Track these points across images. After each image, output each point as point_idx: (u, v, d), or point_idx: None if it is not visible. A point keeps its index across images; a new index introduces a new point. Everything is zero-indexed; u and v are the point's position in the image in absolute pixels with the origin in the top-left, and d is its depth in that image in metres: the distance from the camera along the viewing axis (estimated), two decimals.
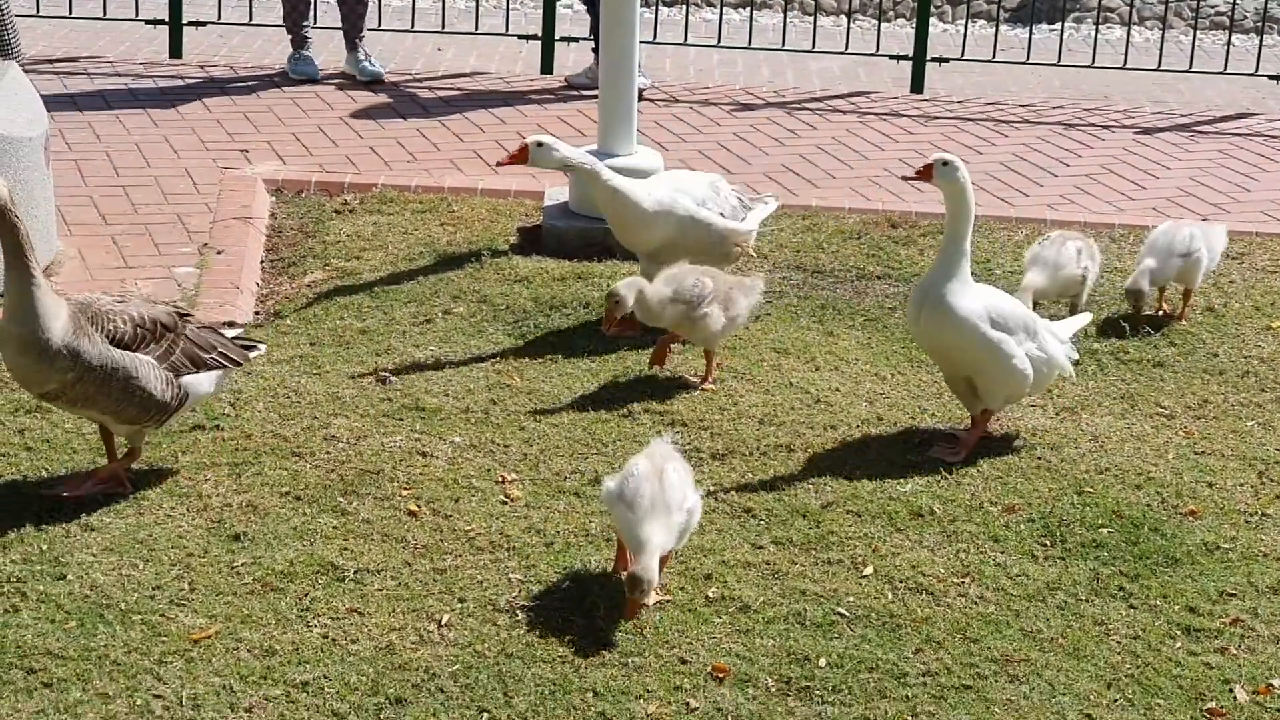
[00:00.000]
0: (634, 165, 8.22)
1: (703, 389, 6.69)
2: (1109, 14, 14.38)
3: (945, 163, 6.18)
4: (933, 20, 13.85)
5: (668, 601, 5.23)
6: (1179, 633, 5.29)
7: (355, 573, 5.38)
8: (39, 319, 5.45)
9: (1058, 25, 12.69)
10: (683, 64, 12.09)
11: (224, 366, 5.93)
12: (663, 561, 5.21)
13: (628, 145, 8.29)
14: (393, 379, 6.65)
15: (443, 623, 5.15)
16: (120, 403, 5.63)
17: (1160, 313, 7.60)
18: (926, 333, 6.28)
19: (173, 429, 6.17)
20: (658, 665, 4.99)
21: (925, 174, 6.21)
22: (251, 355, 6.09)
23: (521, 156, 6.99)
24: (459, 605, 5.25)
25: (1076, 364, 6.59)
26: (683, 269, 6.73)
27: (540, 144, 7.00)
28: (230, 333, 6.11)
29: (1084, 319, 6.85)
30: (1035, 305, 7.16)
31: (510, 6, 12.57)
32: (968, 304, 6.17)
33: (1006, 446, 6.39)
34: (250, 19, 12.03)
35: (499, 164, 7.22)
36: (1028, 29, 12.72)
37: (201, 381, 5.85)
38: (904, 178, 6.67)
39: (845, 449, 6.32)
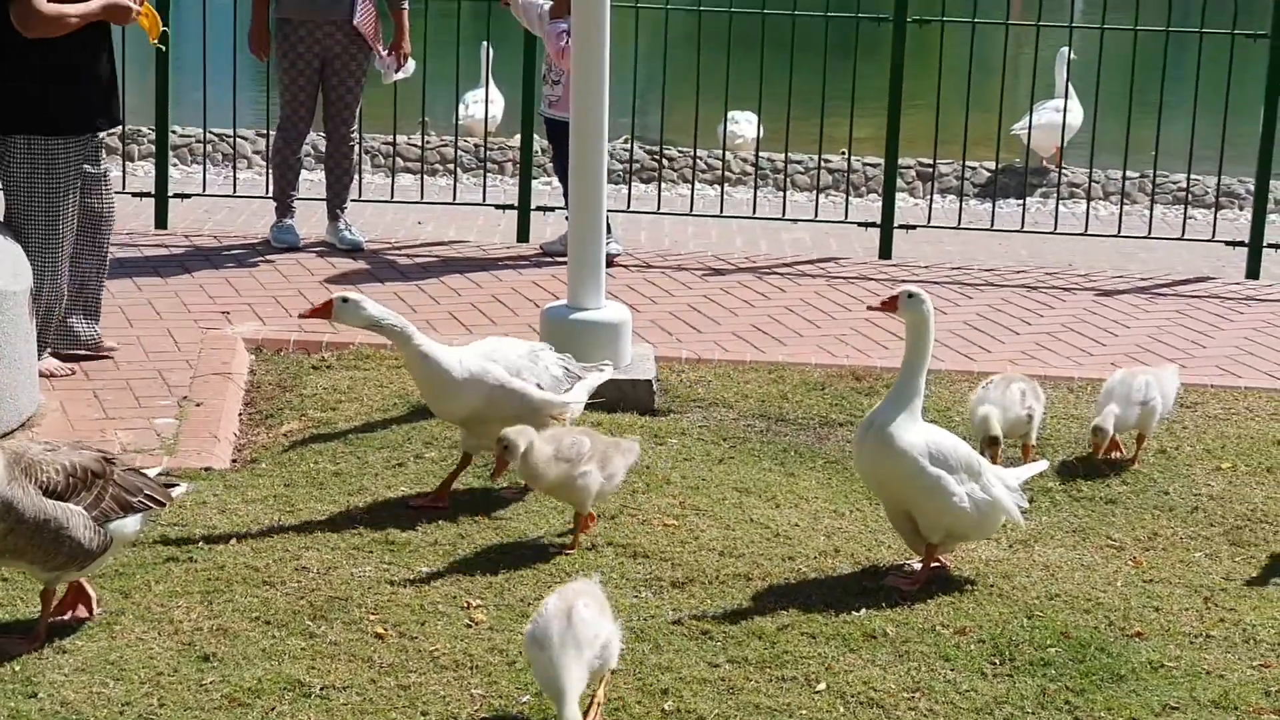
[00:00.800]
0: (602, 318, 8.50)
1: (566, 553, 6.59)
2: (1075, 188, 14.76)
3: (910, 295, 6.39)
4: (902, 195, 14.24)
5: None
6: None
7: (321, 689, 5.53)
8: None
9: (1023, 201, 13.05)
10: (657, 235, 12.42)
11: (150, 508, 5.94)
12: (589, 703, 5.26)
13: (596, 299, 8.55)
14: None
15: None
16: (48, 553, 5.62)
17: (1114, 455, 7.80)
18: (867, 462, 6.44)
19: (146, 560, 6.35)
20: None
21: (890, 305, 6.42)
22: (175, 494, 6.11)
23: (325, 311, 6.83)
24: (422, 718, 5.39)
25: (1025, 512, 6.69)
26: (557, 429, 6.73)
27: (346, 300, 6.82)
28: (152, 472, 6.11)
29: (1038, 466, 6.99)
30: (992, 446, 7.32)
31: (487, 181, 12.90)
32: (909, 438, 6.32)
33: (959, 577, 6.56)
34: (234, 190, 12.37)
35: (301, 315, 7.09)
36: (992, 203, 13.07)
37: (127, 524, 5.86)
38: (869, 307, 6.84)
39: (802, 579, 6.49)
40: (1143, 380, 7.79)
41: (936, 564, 6.53)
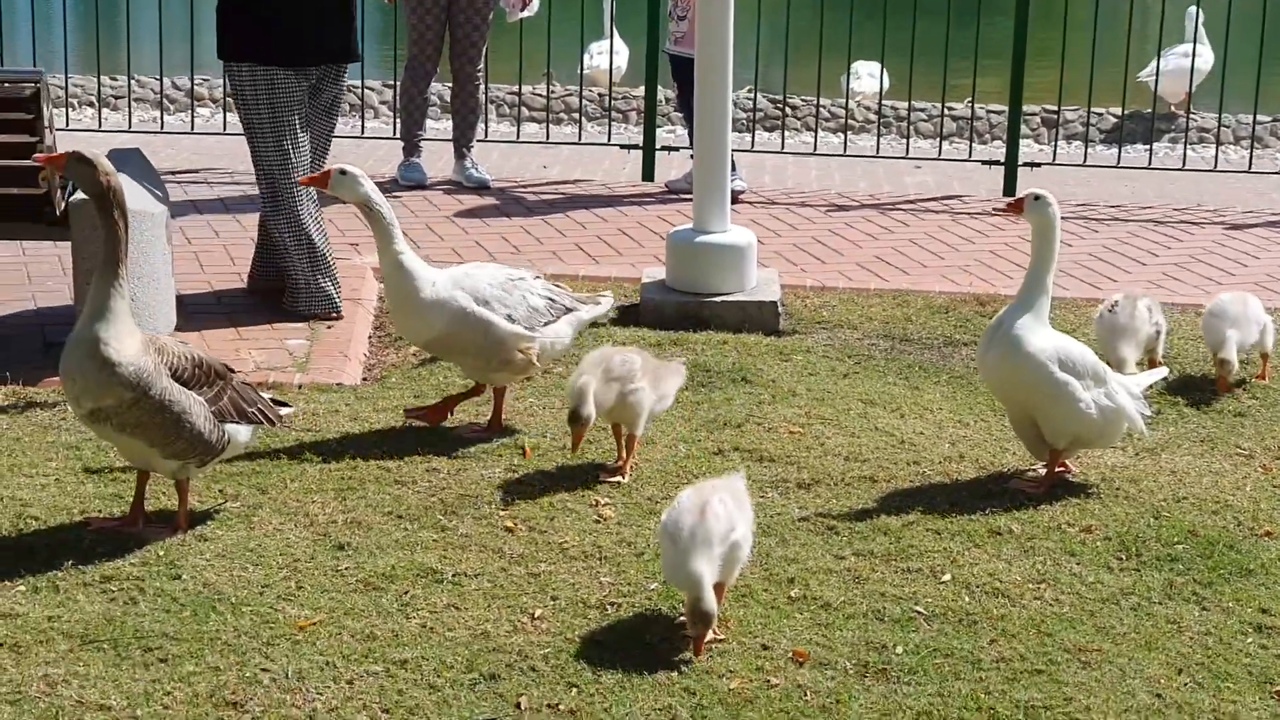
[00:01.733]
0: (728, 241, 8.56)
1: (615, 481, 6.41)
2: (1204, 133, 14.61)
3: (1038, 197, 6.38)
4: (1027, 141, 14.17)
5: (722, 640, 5.28)
6: (1250, 630, 5.43)
7: (453, 575, 5.64)
8: (112, 329, 5.58)
9: (1150, 145, 12.94)
10: (781, 178, 12.43)
11: (262, 421, 6.03)
12: (717, 590, 5.27)
13: (722, 222, 8.61)
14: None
15: (536, 616, 5.39)
16: (168, 435, 5.70)
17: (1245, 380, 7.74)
18: (993, 365, 6.41)
19: (281, 461, 6.49)
20: (740, 650, 5.20)
21: (1017, 207, 6.43)
22: (284, 414, 6.19)
23: (323, 180, 6.69)
24: (551, 603, 5.49)
25: (1149, 420, 6.67)
26: (605, 350, 6.53)
27: (345, 172, 6.65)
28: (266, 395, 6.20)
29: (1159, 373, 6.97)
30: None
31: (612, 128, 12.97)
32: (1038, 342, 6.32)
33: (1085, 482, 6.56)
34: (362, 133, 12.54)
35: (299, 182, 7.08)
36: (1118, 148, 12.98)
37: (241, 432, 5.96)
38: (994, 209, 6.84)
39: (927, 481, 6.53)
40: (1256, 301, 7.72)
41: (1061, 469, 6.53)
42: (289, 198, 8.40)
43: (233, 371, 6.02)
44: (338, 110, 8.74)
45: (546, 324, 6.86)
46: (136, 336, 5.68)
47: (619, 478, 6.44)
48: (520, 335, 6.76)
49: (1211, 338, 7.61)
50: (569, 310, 6.97)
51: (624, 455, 6.51)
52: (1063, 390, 6.32)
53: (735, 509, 5.35)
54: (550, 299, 6.91)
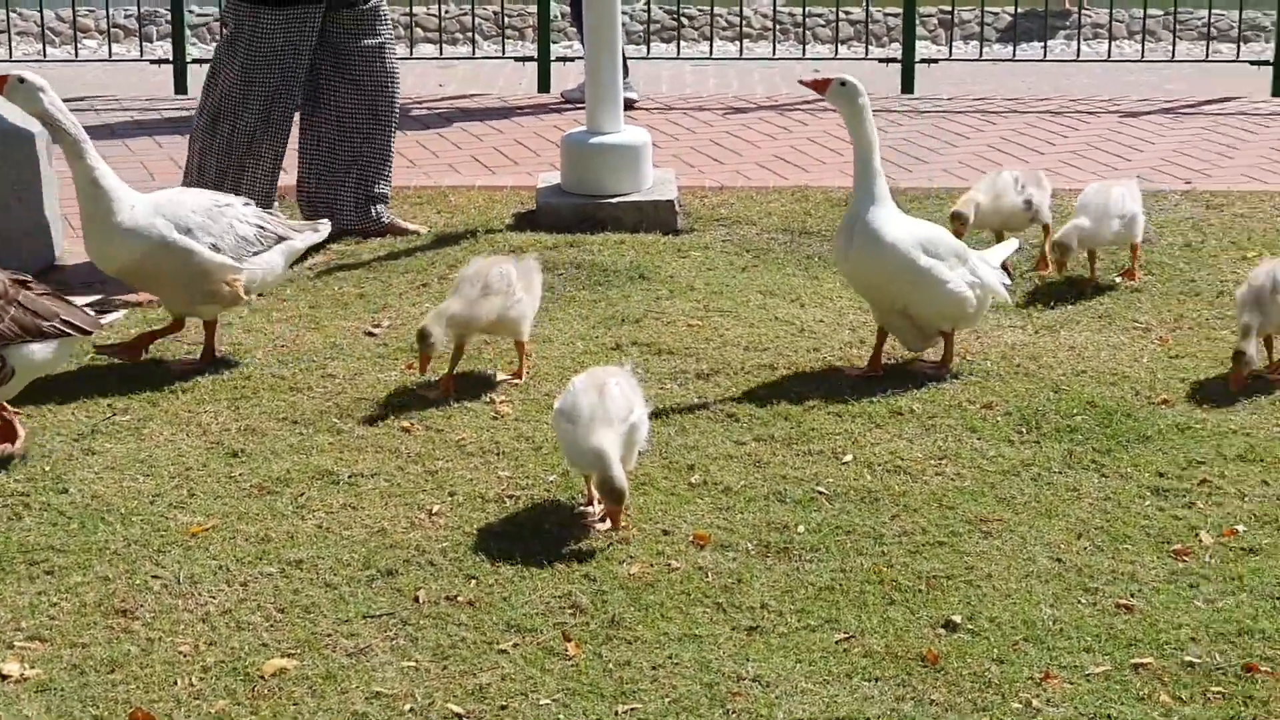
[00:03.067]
0: (622, 141, 8.47)
1: (512, 383, 6.32)
2: (1098, 29, 14.62)
3: (843, 82, 6.18)
4: (925, 43, 14.14)
5: (623, 527, 5.21)
6: (1148, 493, 5.44)
7: (349, 476, 5.57)
8: None
9: (1044, 42, 12.93)
10: (679, 85, 12.34)
11: (67, 333, 5.70)
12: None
13: (615, 123, 8.52)
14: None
15: (433, 512, 5.32)
16: None
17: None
18: (857, 264, 6.23)
19: (171, 373, 6.39)
20: (640, 536, 5.16)
21: (820, 86, 6.21)
22: (107, 319, 5.91)
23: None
24: (449, 498, 5.42)
25: (1009, 289, 6.60)
26: (478, 264, 6.32)
27: (23, 80, 6.18)
28: (82, 301, 5.90)
29: (1011, 245, 6.83)
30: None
31: (505, 36, 12.85)
32: (897, 232, 6.16)
33: (985, 360, 6.54)
34: None
35: None
36: (1013, 45, 12.97)
37: (37, 350, 5.64)
38: (800, 81, 6.61)
39: (827, 366, 6.49)
40: (1119, 193, 7.38)
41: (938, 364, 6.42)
42: (245, 136, 8.02)
43: (22, 285, 5.68)
44: (361, 55, 8.17)
45: (256, 254, 6.48)
46: None
47: (516, 380, 6.35)
48: (226, 266, 6.37)
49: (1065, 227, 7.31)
50: (281, 239, 6.59)
51: (521, 363, 6.39)
52: (931, 275, 6.19)
53: (631, 392, 5.30)
54: (261, 227, 6.52)
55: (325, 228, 6.91)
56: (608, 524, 5.20)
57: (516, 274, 6.28)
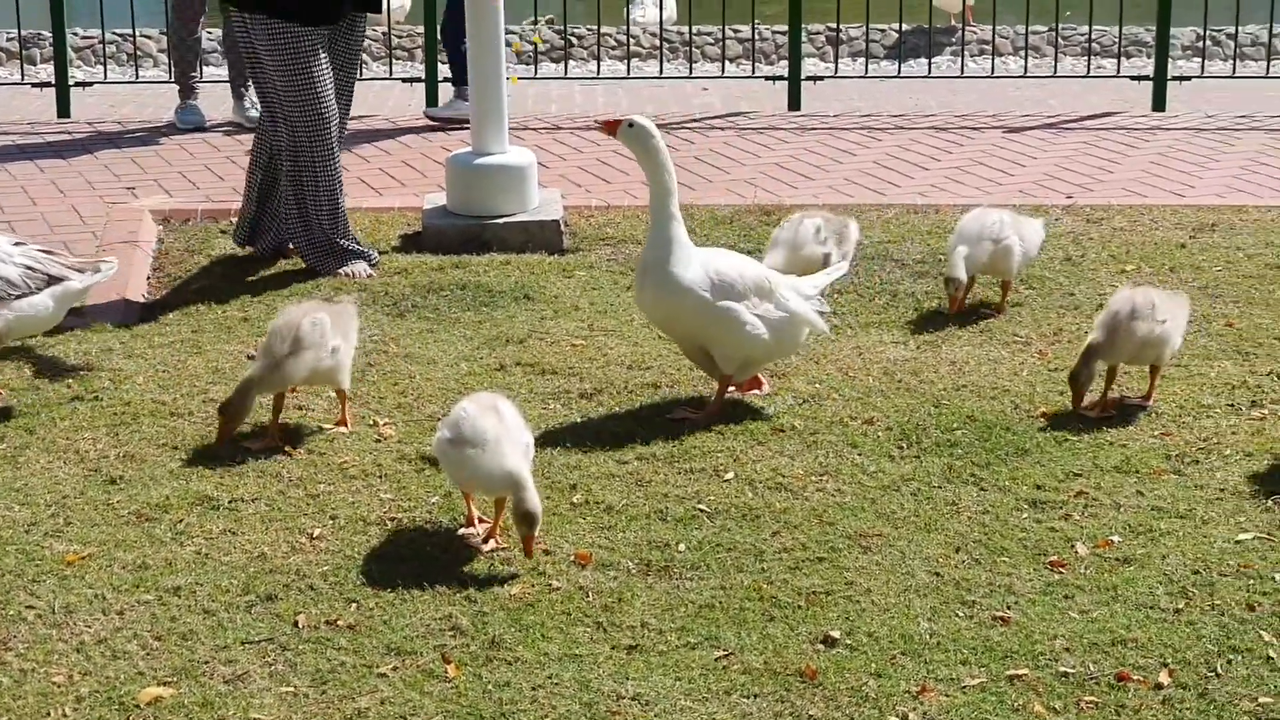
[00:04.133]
0: (507, 162, 8.48)
1: (346, 430, 6.09)
2: (984, 45, 14.75)
3: (631, 124, 6.06)
4: (813, 60, 14.22)
5: (504, 549, 5.20)
6: (1026, 506, 5.49)
7: (230, 502, 5.54)
8: None
9: (929, 58, 13.03)
10: (568, 105, 12.34)
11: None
12: (498, 504, 5.22)
13: (500, 144, 8.53)
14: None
15: (314, 535, 5.30)
16: None
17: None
18: (650, 306, 6.15)
19: (50, 400, 6.34)
20: (522, 557, 5.15)
21: (610, 127, 6.11)
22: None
23: None
24: (330, 522, 5.41)
25: (826, 316, 6.47)
26: (289, 314, 6.04)
27: None
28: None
29: (838, 270, 6.56)
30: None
31: (394, 57, 12.82)
32: (689, 275, 6.01)
33: (866, 376, 6.59)
34: (136, 78, 12.25)
35: None
36: (898, 62, 13.08)
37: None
38: (595, 121, 6.52)
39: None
40: (995, 218, 7.23)
41: (735, 390, 6.31)
42: (309, 161, 7.93)
43: None
44: (358, 62, 8.23)
45: (20, 296, 6.21)
46: None
47: (343, 429, 6.11)
48: None
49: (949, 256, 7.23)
50: (54, 280, 6.30)
51: (344, 412, 6.15)
52: (726, 318, 6.03)
53: (518, 414, 5.29)
54: (29, 268, 6.23)
55: (109, 267, 6.59)
56: (491, 545, 5.20)
57: (330, 323, 6.00)
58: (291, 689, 4.47)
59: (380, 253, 8.25)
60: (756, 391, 6.39)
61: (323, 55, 7.84)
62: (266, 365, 5.92)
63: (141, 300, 7.82)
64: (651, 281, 6.07)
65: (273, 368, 5.90)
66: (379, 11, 8.22)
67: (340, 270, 7.89)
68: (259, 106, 10.98)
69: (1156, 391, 6.30)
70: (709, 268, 6.05)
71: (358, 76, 8.24)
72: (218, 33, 12.50)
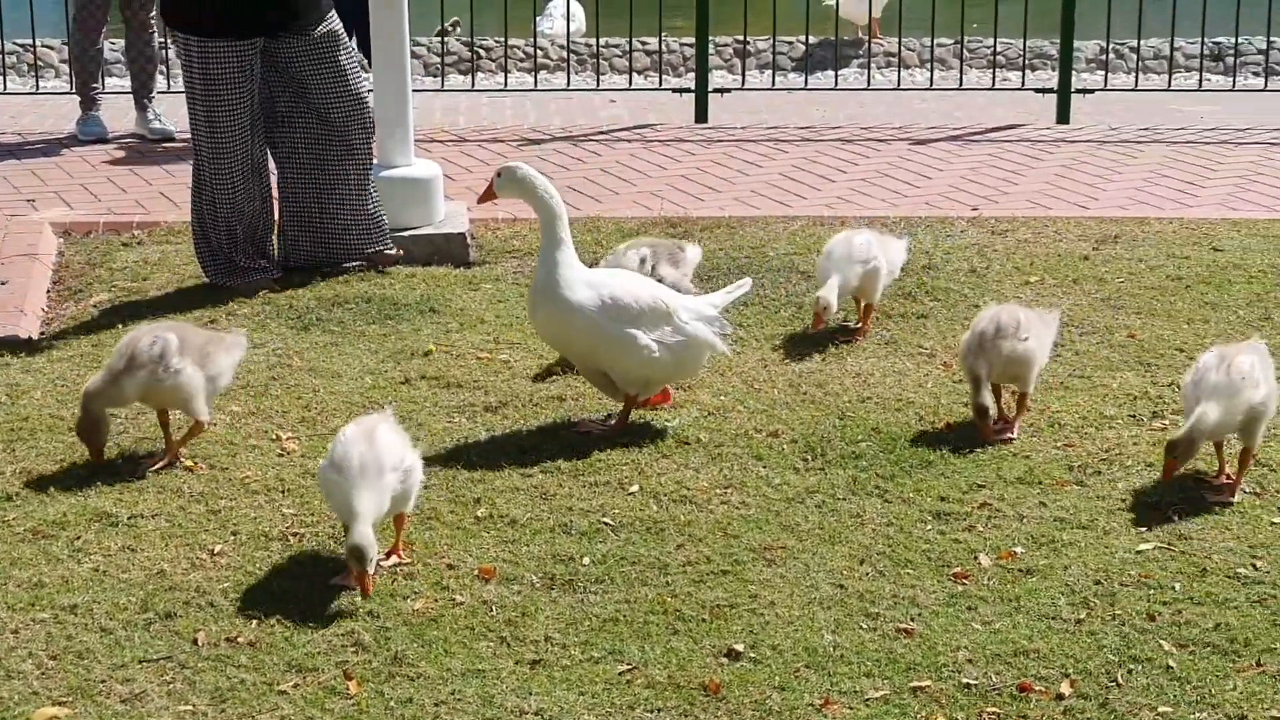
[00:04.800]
0: (412, 174, 8.44)
1: (188, 467, 5.88)
2: (890, 57, 14.83)
3: (500, 173, 6.12)
4: (721, 72, 14.25)
5: (406, 563, 5.16)
6: (930, 518, 5.51)
7: (129, 518, 5.48)
8: None
9: (836, 70, 13.08)
10: (475, 118, 12.30)
11: None
12: (398, 521, 5.19)
13: (405, 156, 8.48)
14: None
15: (215, 551, 5.25)
16: None
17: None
18: (543, 329, 6.17)
19: None
20: (425, 571, 5.13)
21: (488, 195, 6.22)
22: None
23: None
24: (231, 538, 5.36)
25: (728, 337, 6.37)
26: (135, 334, 5.91)
27: None
28: None
29: (742, 287, 6.42)
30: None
31: None
32: (580, 298, 5.98)
33: (771, 388, 6.60)
34: (37, 89, 12.12)
35: None
36: (805, 74, 13.12)
37: None
38: (479, 204, 6.51)
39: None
40: (863, 239, 7.13)
41: (644, 404, 6.27)
42: (208, 178, 7.84)
43: None
44: (321, 85, 7.90)
45: None
46: None
47: (167, 462, 5.87)
48: None
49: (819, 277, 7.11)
50: None
51: (170, 442, 5.89)
52: (619, 341, 5.98)
53: (400, 437, 5.19)
54: None
55: None
56: (392, 560, 5.16)
57: (177, 345, 5.79)
58: (190, 708, 4.42)
59: (283, 266, 8.18)
60: (665, 405, 6.37)
61: (233, 72, 7.73)
62: (103, 379, 5.82)
63: (40, 314, 7.73)
64: (542, 303, 6.06)
65: (109, 382, 5.80)
66: (310, 29, 7.89)
67: (232, 283, 7.84)
68: (162, 118, 11.01)
69: (1025, 415, 6.22)
70: (601, 290, 6.01)
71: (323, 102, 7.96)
72: (120, 43, 12.38)
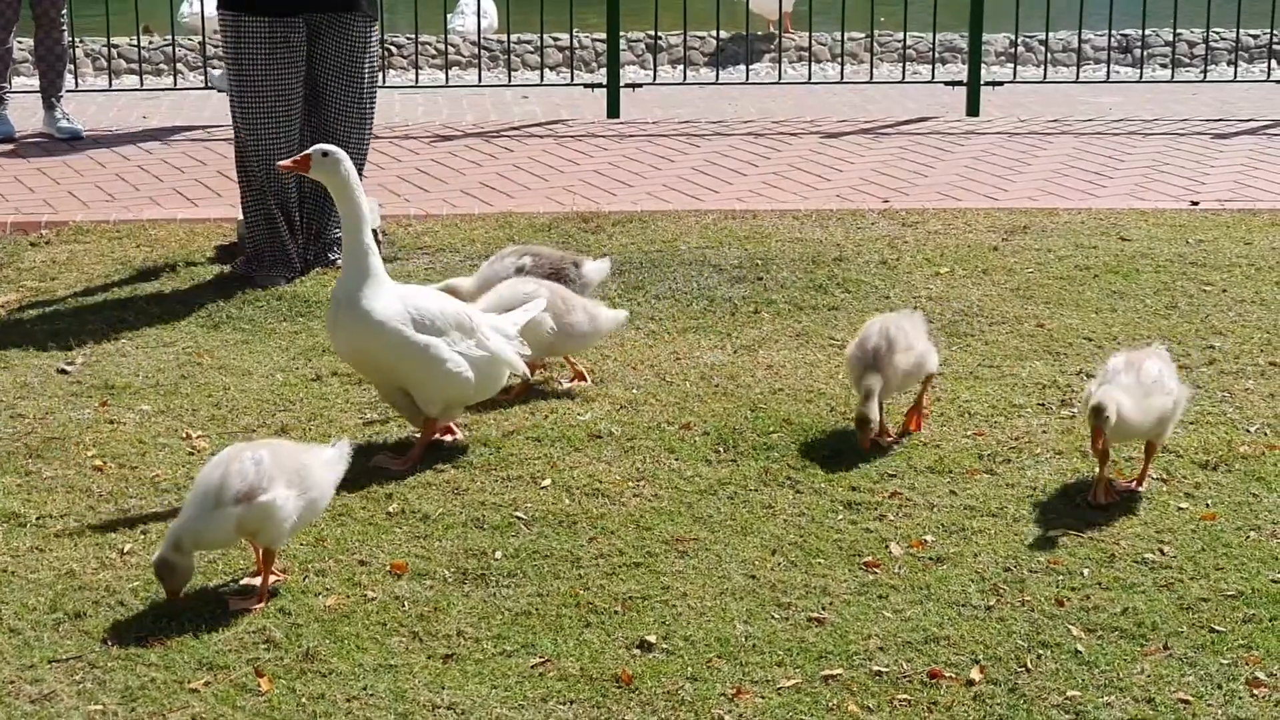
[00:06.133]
0: None
1: (97, 466, 5.79)
2: (802, 51, 14.88)
3: (325, 153, 5.81)
4: (634, 68, 14.27)
5: (281, 579, 5.06)
6: (841, 508, 5.54)
7: (38, 519, 5.44)
8: None
9: (747, 65, 13.12)
10: (387, 115, 12.25)
11: None
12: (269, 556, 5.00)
13: None
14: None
15: (125, 551, 5.22)
16: None
17: None
18: (345, 344, 5.86)
19: None
20: (337, 568, 5.12)
21: (303, 164, 5.82)
22: None
23: None
24: (142, 537, 5.33)
25: (528, 359, 6.15)
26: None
27: None
28: None
29: (536, 307, 6.22)
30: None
31: (210, 66, 12.67)
32: (385, 309, 5.74)
33: (684, 381, 6.61)
34: None
35: None
36: (716, 70, 13.16)
37: None
38: (280, 166, 6.26)
39: (528, 392, 6.49)
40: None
41: (444, 434, 6.03)
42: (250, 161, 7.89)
43: None
44: (360, 69, 7.97)
45: None
46: None
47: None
48: None
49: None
50: None
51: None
52: (426, 353, 5.74)
53: (272, 468, 4.91)
54: None
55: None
56: (274, 579, 5.06)
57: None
58: (100, 707, 4.40)
59: (195, 264, 8.15)
60: (448, 438, 6.04)
61: (271, 50, 7.76)
62: None
63: None
64: (344, 316, 5.75)
65: None
66: (358, 12, 7.91)
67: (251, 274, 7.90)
68: (70, 118, 10.92)
69: (925, 411, 6.24)
70: (407, 302, 5.78)
71: (364, 86, 8.06)
72: (28, 42, 12.27)
